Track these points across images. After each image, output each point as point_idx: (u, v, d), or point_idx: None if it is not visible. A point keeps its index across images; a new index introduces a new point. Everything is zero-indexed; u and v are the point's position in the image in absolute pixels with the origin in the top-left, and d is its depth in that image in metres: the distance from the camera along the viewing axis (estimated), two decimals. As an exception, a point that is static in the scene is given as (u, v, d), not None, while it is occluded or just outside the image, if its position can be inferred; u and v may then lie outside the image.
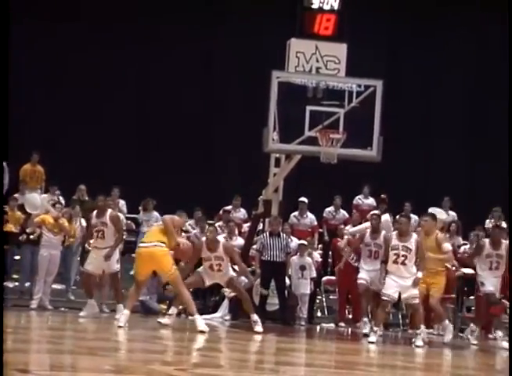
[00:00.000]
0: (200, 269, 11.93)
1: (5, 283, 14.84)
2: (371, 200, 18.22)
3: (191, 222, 17.12)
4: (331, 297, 15.95)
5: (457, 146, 20.65)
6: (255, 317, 11.68)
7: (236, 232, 16.24)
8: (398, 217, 12.88)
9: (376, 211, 14.28)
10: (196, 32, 20.09)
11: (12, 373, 5.78)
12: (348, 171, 16.68)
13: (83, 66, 19.29)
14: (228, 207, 17.39)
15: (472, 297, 15.28)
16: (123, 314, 11.13)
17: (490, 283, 12.74)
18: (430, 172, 20.49)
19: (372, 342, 11.50)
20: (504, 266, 12.80)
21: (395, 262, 11.50)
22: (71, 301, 14.81)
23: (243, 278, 14.92)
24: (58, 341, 9.07)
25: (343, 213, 17.49)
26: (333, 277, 15.79)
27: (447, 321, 12.44)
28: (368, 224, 15.23)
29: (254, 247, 15.06)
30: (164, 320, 11.79)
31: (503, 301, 13.55)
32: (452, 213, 17.79)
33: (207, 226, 13.16)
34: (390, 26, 20.61)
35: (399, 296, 11.87)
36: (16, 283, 15.32)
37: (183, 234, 16.83)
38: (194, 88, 19.99)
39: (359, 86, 14.54)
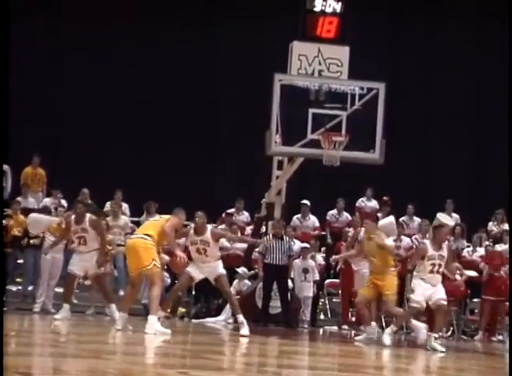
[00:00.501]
0: (188, 267, 11.63)
1: (8, 287, 14.85)
2: (374, 203, 18.21)
3: (192, 225, 17.09)
4: (334, 300, 15.93)
5: (460, 148, 20.64)
6: (241, 318, 11.36)
7: (239, 235, 16.23)
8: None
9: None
10: (199, 34, 20.10)
11: (15, 376, 5.78)
12: (351, 173, 16.67)
13: (83, 67, 19.29)
14: (231, 210, 17.38)
15: (476, 299, 15.28)
16: (120, 317, 11.05)
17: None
18: (433, 175, 20.47)
19: (386, 345, 11.61)
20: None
21: (431, 271, 11.60)
22: (74, 304, 14.79)
23: (246, 281, 14.90)
24: (61, 344, 9.07)
25: (346, 216, 17.48)
26: (336, 280, 15.78)
27: (414, 321, 12.22)
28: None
29: (257, 250, 15.05)
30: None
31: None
32: (456, 215, 17.78)
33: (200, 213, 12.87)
34: (392, 28, 20.61)
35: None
36: (19, 287, 15.32)
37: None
38: (197, 91, 19.99)
39: (362, 89, 14.54)
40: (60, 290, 15.37)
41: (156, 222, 11.19)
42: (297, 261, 14.81)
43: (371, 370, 8.78)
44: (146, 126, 19.90)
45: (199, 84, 20.06)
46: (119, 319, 11.10)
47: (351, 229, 15.84)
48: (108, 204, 17.78)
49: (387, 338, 11.83)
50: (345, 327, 15.13)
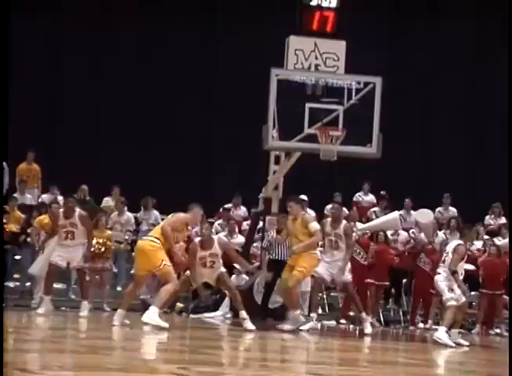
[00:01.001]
0: (187, 272, 11.83)
1: (6, 283, 14.84)
2: (371, 197, 18.24)
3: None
4: (332, 294, 15.95)
5: (457, 142, 20.65)
6: (244, 314, 11.54)
7: (237, 230, 16.24)
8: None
9: (336, 205, 13.90)
10: (195, 30, 20.09)
11: (14, 372, 5.78)
12: (348, 168, 16.68)
13: (80, 63, 19.28)
14: (229, 206, 17.40)
15: (473, 293, 15.30)
16: (118, 313, 11.07)
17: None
18: (431, 169, 20.48)
19: (367, 334, 11.63)
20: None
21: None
22: (72, 300, 14.81)
23: (244, 276, 14.90)
24: (59, 340, 9.07)
25: (343, 210, 17.50)
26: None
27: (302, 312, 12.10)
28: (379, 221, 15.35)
29: (255, 244, 15.03)
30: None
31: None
32: (453, 209, 17.81)
33: (206, 225, 13.08)
34: (389, 22, 20.60)
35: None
36: (17, 283, 15.31)
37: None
38: (194, 87, 19.99)
39: (358, 83, 14.51)
40: (58, 286, 15.40)
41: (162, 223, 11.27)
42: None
43: (369, 364, 8.80)
44: (143, 122, 19.88)
45: (196, 80, 20.05)
46: (117, 315, 11.10)
47: (358, 224, 15.91)
48: (105, 200, 17.80)
49: (368, 328, 11.88)
50: (343, 321, 15.15)
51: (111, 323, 10.93)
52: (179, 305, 15.69)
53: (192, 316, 14.61)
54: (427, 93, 20.63)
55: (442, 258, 12.14)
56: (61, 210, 13.11)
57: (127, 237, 16.82)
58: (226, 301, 14.50)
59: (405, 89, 19.97)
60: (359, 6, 17.82)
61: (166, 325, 10.53)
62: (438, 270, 12.04)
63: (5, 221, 15.03)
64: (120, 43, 19.56)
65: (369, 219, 17.55)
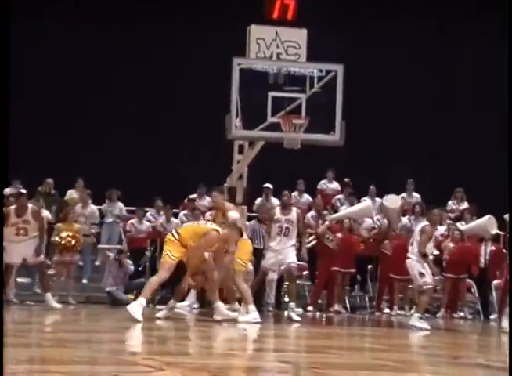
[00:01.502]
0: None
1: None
2: (335, 185, 18.32)
3: (152, 212, 17.09)
4: (298, 282, 16.01)
5: (420, 128, 20.79)
6: (217, 303, 11.46)
7: (202, 220, 16.19)
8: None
9: (286, 192, 13.57)
10: (157, 19, 19.98)
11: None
12: (312, 156, 16.73)
13: (33, 54, 19.10)
14: (193, 196, 17.37)
15: (437, 277, 15.45)
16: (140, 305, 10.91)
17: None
18: (394, 155, 20.60)
19: (296, 321, 11.85)
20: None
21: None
22: (37, 294, 14.71)
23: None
24: (25, 334, 9.00)
25: (307, 197, 17.60)
26: (301, 263, 15.84)
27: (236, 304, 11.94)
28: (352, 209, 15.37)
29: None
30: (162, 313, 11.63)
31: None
32: (416, 195, 17.95)
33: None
34: (349, 9, 20.63)
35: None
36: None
37: (147, 223, 16.84)
38: (155, 77, 19.89)
39: (320, 71, 14.56)
40: (23, 280, 15.30)
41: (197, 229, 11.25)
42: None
43: (337, 350, 8.85)
44: (105, 113, 19.75)
45: (156, 70, 19.96)
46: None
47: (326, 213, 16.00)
48: (69, 192, 17.70)
49: (294, 316, 11.98)
50: (310, 308, 15.23)
51: (79, 315, 10.84)
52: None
53: (158, 306, 14.58)
54: (389, 79, 20.72)
55: (410, 241, 12.19)
56: (12, 207, 12.91)
57: (93, 231, 16.75)
58: (192, 291, 14.49)
59: (367, 76, 20.04)
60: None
61: (140, 319, 10.60)
62: (408, 254, 12.08)
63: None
64: (78, 31, 19.38)
65: (333, 207, 17.64)
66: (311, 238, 14.74)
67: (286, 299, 14.27)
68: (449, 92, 21.19)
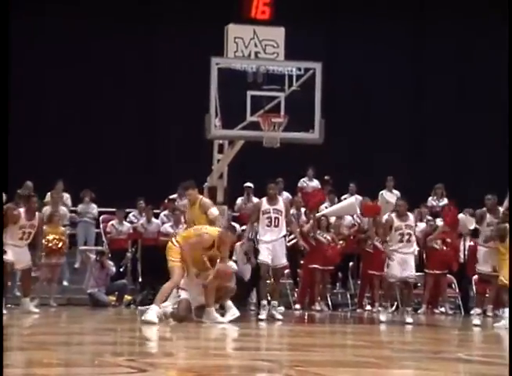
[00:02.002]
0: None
1: None
2: (316, 183, 18.35)
3: (134, 213, 17.07)
4: (281, 281, 16.00)
5: (398, 125, 20.85)
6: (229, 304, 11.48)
7: (182, 220, 16.18)
8: (396, 199, 13.04)
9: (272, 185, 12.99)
10: (133, 19, 19.91)
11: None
12: (292, 154, 16.76)
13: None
14: (174, 196, 17.34)
15: (418, 273, 15.52)
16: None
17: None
18: (373, 152, 20.66)
19: (261, 320, 11.84)
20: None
21: (401, 240, 12.20)
22: (17, 297, 14.63)
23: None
24: (6, 337, 8.96)
25: (286, 195, 17.61)
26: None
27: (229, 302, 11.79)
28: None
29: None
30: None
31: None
32: (396, 192, 18.02)
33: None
34: (326, 7, 20.66)
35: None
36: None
37: (128, 224, 16.80)
38: (134, 77, 19.83)
39: (299, 69, 14.58)
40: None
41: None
42: (238, 244, 14.77)
43: (319, 348, 8.87)
44: (85, 114, 19.66)
45: (136, 70, 19.90)
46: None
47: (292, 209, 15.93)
48: (49, 194, 17.62)
49: (277, 314, 12.10)
50: (298, 306, 15.27)
51: (60, 317, 10.81)
52: (127, 297, 15.63)
53: (140, 307, 14.56)
54: (367, 76, 20.77)
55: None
56: (22, 209, 12.70)
57: (68, 232, 16.69)
58: (174, 292, 14.47)
59: (345, 74, 20.08)
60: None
61: (225, 320, 10.88)
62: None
63: None
64: (64, 35, 19.29)
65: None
66: (291, 236, 14.74)
67: (269, 298, 14.25)
68: (427, 89, 21.26)
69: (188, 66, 18.60)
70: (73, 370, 6.30)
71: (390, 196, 17.11)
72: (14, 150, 18.70)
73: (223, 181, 15.48)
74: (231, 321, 11.17)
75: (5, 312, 12.01)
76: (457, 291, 15.96)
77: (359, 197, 17.17)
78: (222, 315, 11.34)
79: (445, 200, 17.65)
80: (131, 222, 16.83)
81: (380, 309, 12.88)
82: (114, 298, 15.48)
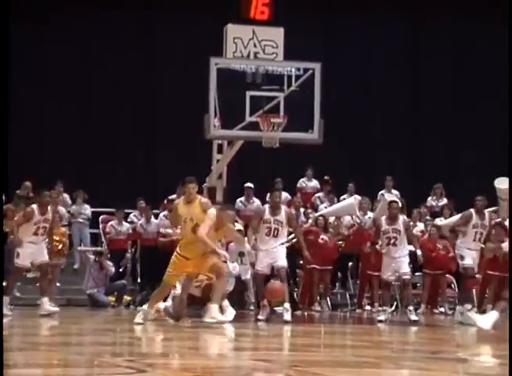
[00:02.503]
0: None
1: None
2: (315, 183, 18.36)
3: (135, 213, 17.07)
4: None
5: (397, 125, 20.86)
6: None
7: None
8: (389, 202, 13.08)
9: (276, 192, 13.17)
10: (135, 21, 19.91)
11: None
12: (291, 154, 16.77)
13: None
14: (173, 197, 17.32)
15: (417, 274, 15.53)
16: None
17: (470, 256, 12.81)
18: (372, 152, 20.67)
19: (260, 320, 11.82)
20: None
21: (388, 244, 12.33)
22: (17, 297, 14.63)
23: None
24: (5, 338, 8.97)
25: (285, 195, 17.60)
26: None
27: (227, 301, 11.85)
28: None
29: None
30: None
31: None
32: (395, 192, 18.02)
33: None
34: (325, 7, 20.67)
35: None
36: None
37: (127, 224, 16.80)
38: (134, 77, 19.82)
39: (298, 70, 14.59)
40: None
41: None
42: (232, 244, 14.69)
43: (319, 348, 8.88)
44: (84, 113, 19.65)
45: (135, 69, 19.89)
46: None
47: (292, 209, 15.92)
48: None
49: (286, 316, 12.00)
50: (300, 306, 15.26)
51: (58, 318, 10.79)
52: (127, 297, 15.63)
53: (139, 308, 14.55)
54: (366, 76, 20.78)
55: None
56: (34, 205, 12.56)
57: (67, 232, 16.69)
58: (172, 292, 14.46)
59: (344, 74, 20.08)
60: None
61: (227, 319, 10.80)
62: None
63: None
64: (59, 36, 19.29)
65: (313, 205, 17.68)
66: (290, 236, 14.74)
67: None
68: (426, 89, 21.26)
69: (187, 66, 18.60)
70: (72, 371, 6.30)
71: (389, 196, 17.12)
72: (14, 150, 18.76)
73: (222, 181, 15.49)
74: (230, 321, 11.16)
75: (10, 313, 11.98)
76: (456, 291, 15.96)
77: (358, 197, 17.18)
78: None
79: (445, 200, 17.66)
80: (132, 223, 16.83)
81: (379, 308, 12.90)
82: (113, 299, 15.49)
